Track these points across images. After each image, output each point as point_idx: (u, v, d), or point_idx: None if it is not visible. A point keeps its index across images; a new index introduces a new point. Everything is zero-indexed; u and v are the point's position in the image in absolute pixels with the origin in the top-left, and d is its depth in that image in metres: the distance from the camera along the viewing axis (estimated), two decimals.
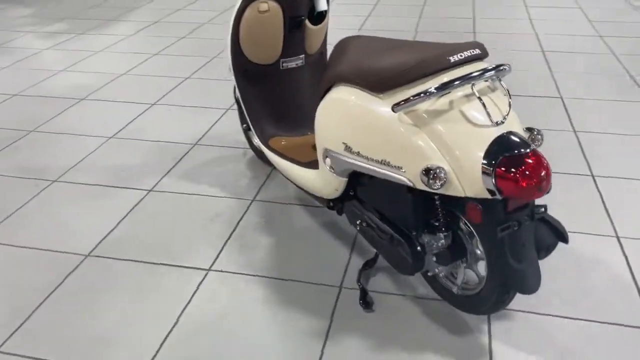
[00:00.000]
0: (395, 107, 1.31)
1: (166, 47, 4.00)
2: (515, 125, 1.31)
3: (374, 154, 1.39)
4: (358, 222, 1.65)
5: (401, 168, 1.34)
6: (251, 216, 2.09)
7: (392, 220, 1.55)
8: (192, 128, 2.78)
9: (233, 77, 2.12)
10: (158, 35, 4.27)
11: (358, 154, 1.44)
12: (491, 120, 1.26)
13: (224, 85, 3.29)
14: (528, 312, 1.61)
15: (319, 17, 2.10)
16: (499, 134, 1.25)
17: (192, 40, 4.14)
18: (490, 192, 1.22)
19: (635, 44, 3.82)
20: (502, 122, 1.26)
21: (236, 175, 2.35)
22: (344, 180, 1.61)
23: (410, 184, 1.34)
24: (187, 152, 2.56)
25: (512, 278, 1.34)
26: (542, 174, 1.19)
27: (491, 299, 1.46)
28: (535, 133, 1.33)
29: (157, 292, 1.73)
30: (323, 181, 1.73)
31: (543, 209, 1.36)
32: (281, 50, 2.07)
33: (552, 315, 1.60)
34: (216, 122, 2.84)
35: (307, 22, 2.06)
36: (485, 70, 1.28)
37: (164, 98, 3.15)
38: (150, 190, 2.26)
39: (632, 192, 2.18)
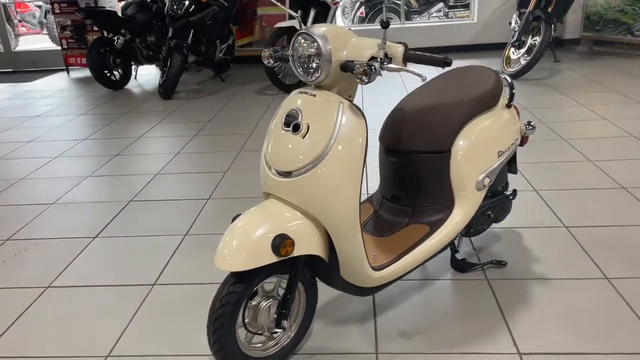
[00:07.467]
0: (509, 104, 2.09)
1: None
2: None
3: (510, 143, 2.06)
4: (487, 214, 2.14)
5: (517, 139, 2.10)
6: None
7: (494, 189, 2.17)
8: None
9: None
10: None
11: (506, 150, 2.04)
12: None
13: None
14: None
15: None
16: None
17: None
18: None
19: None
20: None
21: None
22: (487, 188, 2.02)
23: (518, 145, 2.13)
24: None
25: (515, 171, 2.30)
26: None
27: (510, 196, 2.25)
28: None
29: None
30: (470, 208, 1.96)
31: None
32: None
33: None
34: None
35: None
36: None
37: None
38: None
39: None
